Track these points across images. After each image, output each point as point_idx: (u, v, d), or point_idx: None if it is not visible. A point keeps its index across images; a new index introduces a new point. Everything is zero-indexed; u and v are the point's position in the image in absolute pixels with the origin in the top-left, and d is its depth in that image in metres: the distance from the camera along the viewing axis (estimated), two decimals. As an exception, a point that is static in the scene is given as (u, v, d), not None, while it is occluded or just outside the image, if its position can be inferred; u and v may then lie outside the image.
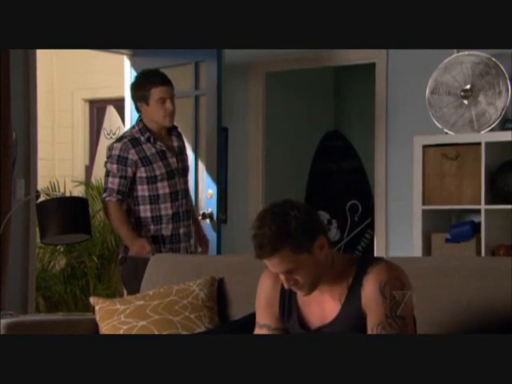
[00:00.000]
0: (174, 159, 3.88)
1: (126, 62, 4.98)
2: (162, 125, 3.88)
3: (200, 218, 4.62)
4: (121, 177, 3.81)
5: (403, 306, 2.14)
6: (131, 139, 3.84)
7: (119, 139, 3.91)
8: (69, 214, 4.02)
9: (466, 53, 4.50)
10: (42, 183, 6.16)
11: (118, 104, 6.22)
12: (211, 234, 4.55)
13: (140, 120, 3.92)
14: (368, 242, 6.26)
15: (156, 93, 3.80)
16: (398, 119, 4.98)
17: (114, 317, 2.76)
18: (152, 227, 3.82)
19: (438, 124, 4.58)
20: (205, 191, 4.66)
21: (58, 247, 6.18)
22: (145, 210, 3.82)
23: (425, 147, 4.57)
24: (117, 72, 5.09)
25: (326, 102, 6.63)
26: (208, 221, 4.59)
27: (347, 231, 6.47)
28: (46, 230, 4.05)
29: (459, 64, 4.52)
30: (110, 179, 3.84)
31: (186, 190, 3.96)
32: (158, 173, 3.81)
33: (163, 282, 2.93)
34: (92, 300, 2.89)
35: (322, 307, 2.28)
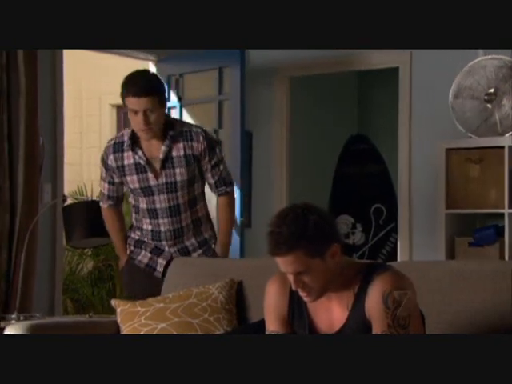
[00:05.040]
0: (152, 175, 3.40)
1: (152, 68, 5.04)
2: (141, 137, 3.40)
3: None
4: (109, 182, 3.54)
5: (406, 315, 2.15)
6: (116, 143, 3.48)
7: (110, 140, 3.57)
8: (94, 217, 4.08)
9: (489, 57, 4.50)
10: (70, 187, 6.26)
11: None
12: (234, 238, 4.58)
13: None
14: (392, 246, 6.26)
15: (128, 103, 3.33)
16: (422, 123, 4.99)
17: (134, 319, 2.81)
18: (138, 233, 3.54)
19: (461, 128, 4.58)
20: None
21: (86, 250, 6.27)
22: (134, 218, 3.57)
23: (448, 151, 4.58)
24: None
25: (350, 106, 6.65)
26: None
27: (372, 235, 6.48)
28: (72, 234, 4.12)
29: (482, 68, 4.51)
30: (102, 183, 3.60)
31: (175, 207, 3.43)
32: (131, 186, 3.45)
33: (184, 284, 2.97)
34: (114, 302, 2.94)
35: (329, 314, 2.30)
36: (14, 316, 3.82)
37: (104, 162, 3.49)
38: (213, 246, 3.53)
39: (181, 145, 3.40)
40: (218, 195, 3.57)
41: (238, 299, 2.88)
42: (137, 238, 3.53)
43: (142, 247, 3.51)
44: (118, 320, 2.86)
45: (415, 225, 5.01)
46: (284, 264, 2.21)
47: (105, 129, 7.49)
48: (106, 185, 3.54)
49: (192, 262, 3.19)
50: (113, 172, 3.46)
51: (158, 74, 4.96)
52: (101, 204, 3.63)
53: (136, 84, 3.33)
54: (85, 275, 6.44)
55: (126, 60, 5.50)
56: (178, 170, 3.40)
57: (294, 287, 2.24)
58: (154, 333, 2.77)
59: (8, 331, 2.74)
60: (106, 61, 6.28)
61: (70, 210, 3.90)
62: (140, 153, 3.40)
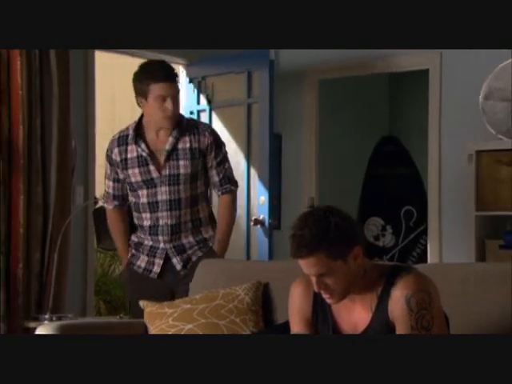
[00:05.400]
0: (154, 167, 3.36)
1: (182, 72, 5.09)
2: (160, 126, 3.36)
3: (252, 224, 4.71)
4: (113, 180, 3.47)
5: (429, 318, 2.16)
6: (121, 136, 3.43)
7: (115, 134, 3.50)
8: (124, 220, 4.14)
9: (521, 58, 4.48)
10: (101, 190, 6.32)
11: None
12: (263, 240, 4.62)
13: (142, 115, 3.45)
14: (423, 248, 6.23)
15: (155, 89, 3.25)
16: (452, 125, 4.97)
17: (162, 320, 2.85)
18: (138, 234, 3.50)
19: (491, 129, 4.55)
20: (257, 198, 4.73)
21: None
22: (134, 217, 3.49)
23: (478, 153, 4.56)
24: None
25: (381, 108, 6.64)
26: (259, 227, 4.67)
27: (402, 237, 6.46)
28: (103, 236, 4.18)
29: (512, 69, 4.49)
30: (107, 182, 3.52)
31: (176, 201, 3.38)
32: (133, 180, 3.39)
33: (211, 286, 3.00)
34: (142, 303, 2.99)
35: (353, 316, 2.32)
36: (46, 316, 3.89)
37: (108, 157, 3.44)
38: (211, 245, 3.45)
39: (187, 138, 3.37)
40: (222, 193, 3.49)
41: (265, 301, 2.90)
42: (136, 240, 3.50)
43: (140, 250, 3.47)
44: (146, 321, 2.90)
45: (445, 227, 4.99)
46: (306, 266, 2.24)
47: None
48: (111, 183, 3.47)
49: (219, 264, 3.22)
50: (117, 167, 3.41)
51: (188, 78, 5.04)
52: (106, 206, 3.55)
53: (163, 69, 3.30)
54: (117, 277, 6.50)
55: (156, 64, 5.57)
56: (182, 163, 3.36)
57: (316, 289, 2.26)
58: (182, 333, 2.80)
59: (39, 331, 2.80)
60: (138, 64, 6.33)
61: (101, 212, 3.95)
62: (143, 145, 3.35)
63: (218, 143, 3.45)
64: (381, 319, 2.26)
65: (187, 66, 5.02)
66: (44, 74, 4.10)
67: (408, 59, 5.09)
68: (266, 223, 4.63)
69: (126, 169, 3.39)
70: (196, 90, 5.01)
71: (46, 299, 4.05)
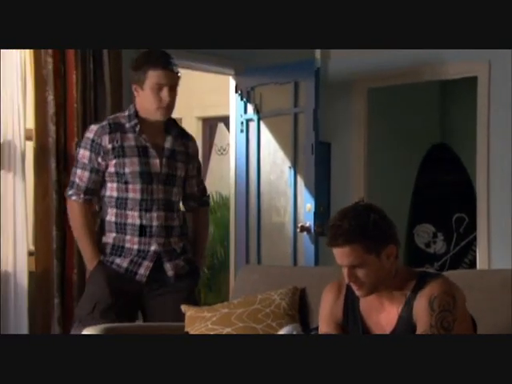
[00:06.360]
0: (157, 161, 3.16)
1: (232, 82, 5.21)
2: (153, 117, 3.17)
3: (298, 230, 4.79)
4: (91, 170, 3.16)
5: (451, 320, 2.21)
6: (113, 123, 3.19)
7: (99, 123, 3.28)
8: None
9: None
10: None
11: (228, 121, 6.48)
12: (309, 247, 4.70)
13: (133, 105, 3.26)
14: (475, 255, 6.20)
15: (153, 77, 3.09)
16: (500, 132, 4.95)
17: (201, 323, 2.94)
18: (114, 235, 3.19)
19: (539, 136, 4.54)
20: (303, 205, 4.81)
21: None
22: (111, 214, 3.17)
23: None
24: (225, 91, 5.35)
25: (431, 116, 6.64)
26: (306, 233, 4.74)
27: (453, 244, 6.44)
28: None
29: (560, 76, 4.47)
30: (79, 172, 3.18)
31: (170, 203, 3.19)
32: (128, 170, 3.11)
33: (251, 291, 3.09)
34: (183, 308, 3.09)
35: (381, 318, 2.38)
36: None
37: (92, 143, 3.15)
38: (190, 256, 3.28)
39: (183, 140, 3.28)
40: (200, 205, 3.35)
41: (302, 305, 2.98)
42: (111, 242, 3.19)
43: (122, 255, 3.18)
44: (186, 324, 3.01)
45: (494, 234, 4.97)
46: (340, 255, 2.30)
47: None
48: (87, 173, 3.17)
49: (260, 269, 3.32)
50: (103, 155, 3.13)
51: (237, 88, 5.16)
52: (73, 198, 3.19)
53: (163, 56, 3.14)
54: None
55: (209, 74, 5.72)
56: (179, 164, 3.23)
57: (347, 280, 2.32)
58: (221, 337, 2.90)
59: (85, 331, 2.93)
60: (192, 74, 6.49)
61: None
62: (144, 136, 3.17)
63: (198, 153, 3.38)
64: (406, 322, 2.32)
65: (236, 76, 5.14)
66: (98, 88, 4.25)
67: (456, 67, 5.10)
68: (312, 230, 4.71)
69: (123, 157, 3.13)
70: (244, 100, 5.12)
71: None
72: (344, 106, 5.52)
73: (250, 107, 5.10)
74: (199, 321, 2.95)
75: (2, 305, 3.94)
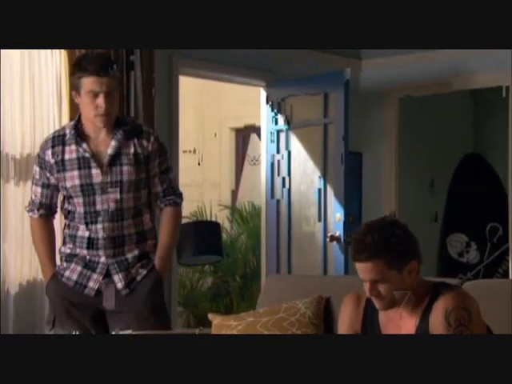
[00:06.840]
0: (98, 171, 3.03)
1: (262, 93, 5.27)
2: (95, 124, 3.04)
3: (328, 240, 4.82)
4: (43, 185, 3.11)
5: (468, 334, 2.21)
6: (57, 136, 3.10)
7: (48, 136, 3.19)
8: (202, 236, 4.34)
9: None
10: (191, 207, 6.59)
11: (260, 132, 6.55)
12: (339, 256, 4.73)
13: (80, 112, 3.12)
14: (508, 265, 6.16)
15: (86, 84, 2.95)
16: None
17: (227, 331, 3.00)
18: (71, 246, 3.12)
19: None
20: (333, 215, 4.84)
21: (206, 267, 6.57)
22: (67, 226, 3.13)
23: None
24: (257, 102, 5.42)
25: (464, 126, 6.63)
26: (336, 243, 4.77)
27: (487, 254, 6.41)
28: (182, 252, 4.40)
29: None
30: (34, 187, 3.15)
31: (118, 211, 3.04)
32: (69, 184, 3.04)
33: (277, 300, 3.14)
34: (210, 316, 3.15)
35: (399, 330, 2.40)
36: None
37: (39, 158, 3.10)
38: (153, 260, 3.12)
39: (131, 142, 3.07)
40: (165, 205, 3.17)
41: (327, 314, 3.02)
42: (68, 251, 3.13)
43: (74, 261, 3.10)
44: (213, 332, 3.06)
45: (526, 244, 4.95)
46: (363, 270, 2.33)
47: (224, 151, 7.87)
48: (39, 189, 3.12)
49: (286, 279, 3.36)
50: (49, 171, 3.08)
51: (268, 99, 5.22)
52: (29, 214, 3.17)
53: (96, 62, 2.99)
54: (205, 291, 6.74)
55: (240, 87, 5.80)
56: (125, 169, 3.05)
57: (368, 294, 2.35)
58: (247, 345, 2.94)
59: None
60: (225, 86, 6.60)
61: (181, 229, 4.16)
62: (84, 145, 3.03)
63: (163, 150, 3.15)
64: (423, 334, 2.34)
65: (266, 88, 5.20)
66: (129, 99, 4.34)
67: (487, 76, 5.10)
68: (342, 240, 4.74)
69: (64, 171, 3.05)
70: (275, 111, 5.18)
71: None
72: (376, 116, 5.55)
73: (280, 118, 5.15)
74: (225, 329, 3.01)
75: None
